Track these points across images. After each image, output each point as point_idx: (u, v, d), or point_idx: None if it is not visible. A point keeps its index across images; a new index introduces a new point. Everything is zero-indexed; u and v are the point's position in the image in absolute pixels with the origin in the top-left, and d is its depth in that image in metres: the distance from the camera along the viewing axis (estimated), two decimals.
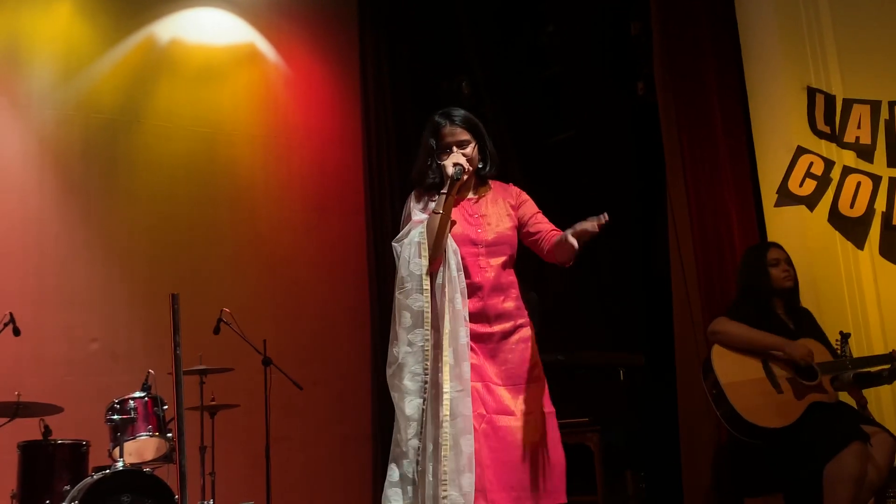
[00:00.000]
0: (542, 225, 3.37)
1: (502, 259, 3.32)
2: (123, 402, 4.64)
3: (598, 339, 5.88)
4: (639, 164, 5.96)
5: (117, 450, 4.54)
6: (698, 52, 5.28)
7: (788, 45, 5.00)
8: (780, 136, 4.98)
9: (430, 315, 3.16)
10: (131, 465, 4.54)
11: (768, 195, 4.99)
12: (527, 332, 3.32)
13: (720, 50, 5.25)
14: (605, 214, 3.06)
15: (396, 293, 3.25)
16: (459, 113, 3.36)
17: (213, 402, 5.22)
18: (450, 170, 3.22)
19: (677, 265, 5.17)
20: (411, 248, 3.23)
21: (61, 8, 5.91)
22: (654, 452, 5.43)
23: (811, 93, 4.89)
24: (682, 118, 5.25)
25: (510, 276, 3.35)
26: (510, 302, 3.31)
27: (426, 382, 3.12)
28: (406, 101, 6.81)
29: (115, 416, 4.60)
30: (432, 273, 3.22)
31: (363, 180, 6.72)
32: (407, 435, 3.13)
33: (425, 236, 3.21)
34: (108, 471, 4.41)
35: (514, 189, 3.48)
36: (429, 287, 3.18)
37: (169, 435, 4.66)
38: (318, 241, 6.59)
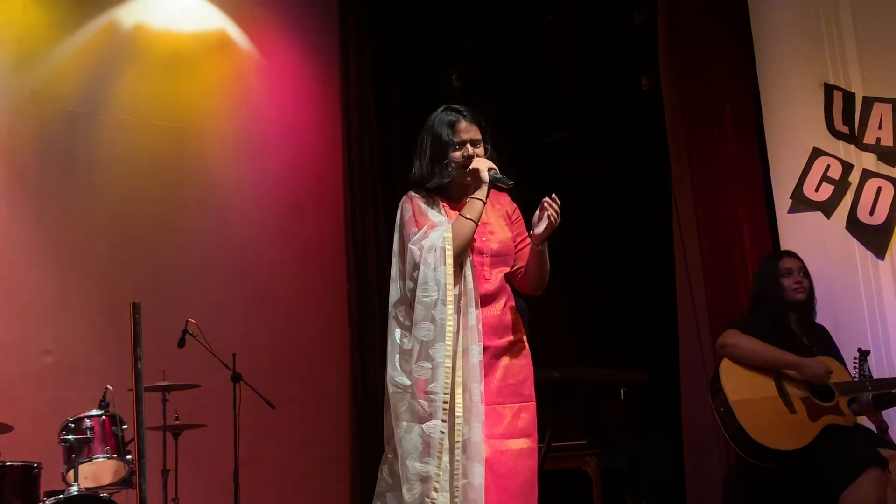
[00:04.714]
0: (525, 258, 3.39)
1: (504, 269, 3.34)
2: (79, 420, 4.58)
3: (597, 355, 5.88)
4: (641, 166, 5.97)
5: (72, 473, 4.49)
6: (707, 45, 5.30)
7: (804, 40, 5.00)
8: (794, 137, 4.99)
9: (453, 329, 3.11)
10: (87, 489, 4.48)
11: (782, 200, 5.00)
12: (526, 345, 3.34)
13: (731, 42, 5.27)
14: (553, 194, 3.13)
15: (418, 301, 3.14)
16: (470, 109, 3.35)
17: (178, 422, 5.19)
18: (484, 174, 3.20)
19: (683, 275, 5.21)
20: (435, 253, 3.15)
21: None
22: (657, 477, 5.47)
23: (828, 90, 4.88)
24: (689, 116, 5.29)
25: (507, 287, 3.37)
26: (509, 314, 3.31)
27: (446, 403, 3.07)
28: (390, 94, 6.76)
29: (70, 436, 4.54)
30: None
31: (343, 180, 6.69)
32: (414, 463, 3.06)
33: (450, 241, 3.15)
34: (61, 496, 4.35)
35: (507, 199, 3.47)
36: (454, 298, 3.13)
37: (128, 457, 4.61)
38: (294, 245, 6.56)
